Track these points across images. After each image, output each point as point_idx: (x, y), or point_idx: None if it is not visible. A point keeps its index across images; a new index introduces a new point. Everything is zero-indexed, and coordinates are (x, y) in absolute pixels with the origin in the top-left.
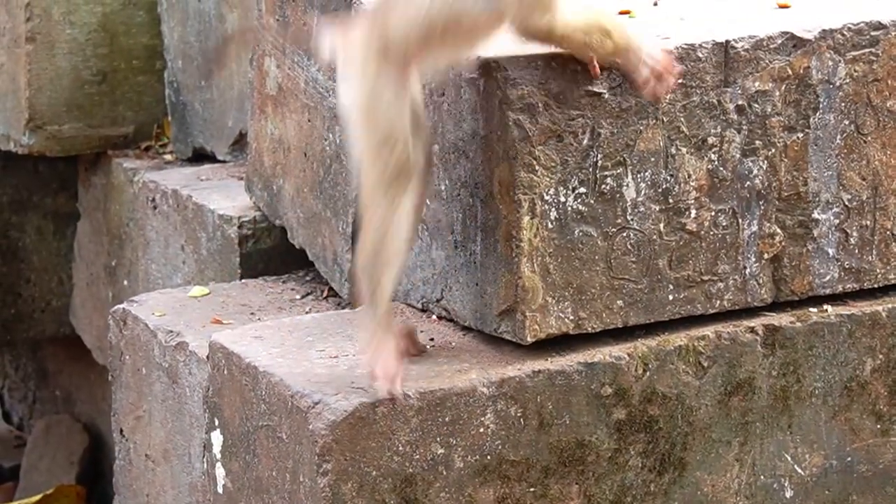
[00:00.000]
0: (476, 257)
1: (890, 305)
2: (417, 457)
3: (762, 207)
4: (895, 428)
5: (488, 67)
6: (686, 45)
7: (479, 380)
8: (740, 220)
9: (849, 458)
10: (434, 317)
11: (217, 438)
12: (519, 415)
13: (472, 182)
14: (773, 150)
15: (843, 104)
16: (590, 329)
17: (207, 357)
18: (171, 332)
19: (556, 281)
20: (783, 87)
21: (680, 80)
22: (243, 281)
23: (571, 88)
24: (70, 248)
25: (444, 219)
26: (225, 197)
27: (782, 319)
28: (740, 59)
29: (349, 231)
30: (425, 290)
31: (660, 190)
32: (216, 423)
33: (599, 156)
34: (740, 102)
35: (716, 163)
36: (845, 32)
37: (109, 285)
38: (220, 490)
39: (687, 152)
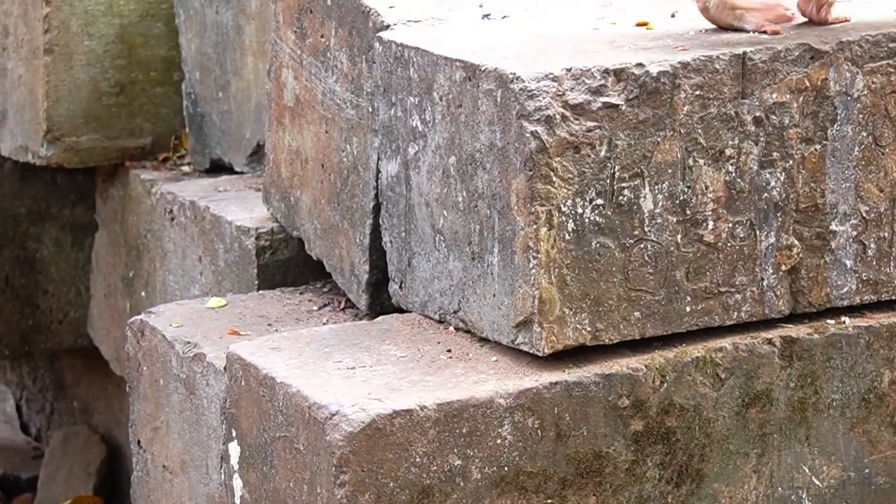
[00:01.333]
0: (493, 269)
1: None
2: (435, 468)
3: (780, 219)
4: None
5: (505, 79)
6: (704, 56)
7: (496, 391)
8: (758, 232)
9: (867, 470)
10: (451, 328)
11: (234, 449)
12: (536, 426)
13: (490, 193)
14: (791, 162)
15: (860, 116)
16: (607, 340)
17: (225, 368)
18: (189, 343)
19: (573, 292)
20: (801, 99)
21: (696, 92)
22: (260, 292)
23: (589, 100)
24: (88, 260)
25: (462, 230)
26: (242, 208)
27: (800, 331)
28: (758, 71)
29: (366, 242)
30: (442, 302)
31: (677, 201)
32: (233, 434)
33: (617, 167)
34: (758, 114)
35: (733, 174)
36: (863, 44)
37: (127, 296)
38: (237, 501)
39: (704, 164)
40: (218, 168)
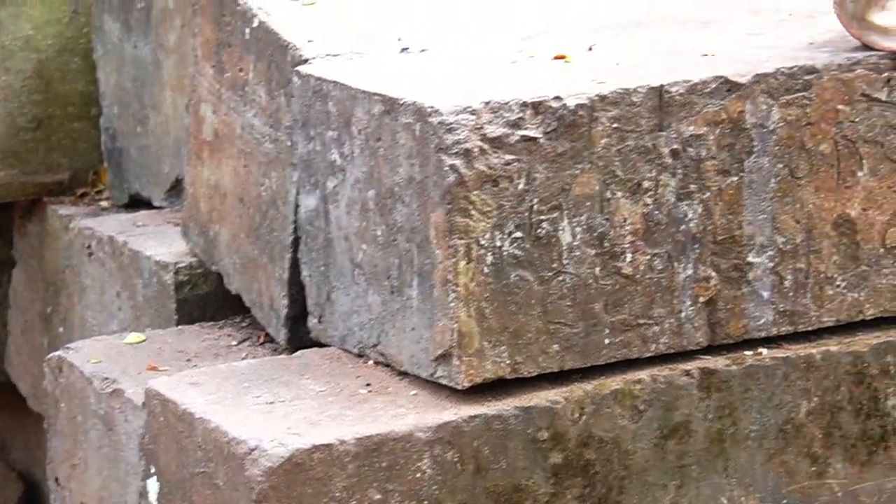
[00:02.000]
0: (412, 302)
1: (824, 348)
2: (354, 503)
3: (697, 251)
4: (830, 470)
5: (424, 112)
6: (621, 89)
7: (415, 425)
8: (675, 264)
9: (784, 501)
10: (370, 362)
11: (153, 486)
12: (456, 459)
13: (409, 227)
14: (708, 194)
15: (776, 148)
16: (526, 373)
17: (143, 404)
18: (107, 379)
19: (492, 325)
20: (717, 131)
21: (614, 125)
22: (179, 327)
23: (507, 133)
24: (5, 296)
25: (381, 264)
26: (161, 243)
27: (718, 362)
28: (675, 104)
29: (285, 276)
30: (361, 336)
31: (595, 234)
32: (152, 470)
33: (535, 200)
34: (675, 146)
35: (651, 207)
36: (779, 76)
37: (45, 332)
38: None
39: (622, 196)
40: (136, 203)
